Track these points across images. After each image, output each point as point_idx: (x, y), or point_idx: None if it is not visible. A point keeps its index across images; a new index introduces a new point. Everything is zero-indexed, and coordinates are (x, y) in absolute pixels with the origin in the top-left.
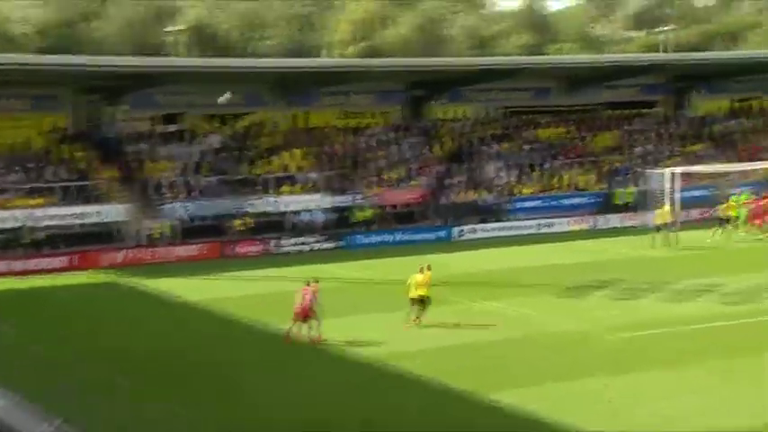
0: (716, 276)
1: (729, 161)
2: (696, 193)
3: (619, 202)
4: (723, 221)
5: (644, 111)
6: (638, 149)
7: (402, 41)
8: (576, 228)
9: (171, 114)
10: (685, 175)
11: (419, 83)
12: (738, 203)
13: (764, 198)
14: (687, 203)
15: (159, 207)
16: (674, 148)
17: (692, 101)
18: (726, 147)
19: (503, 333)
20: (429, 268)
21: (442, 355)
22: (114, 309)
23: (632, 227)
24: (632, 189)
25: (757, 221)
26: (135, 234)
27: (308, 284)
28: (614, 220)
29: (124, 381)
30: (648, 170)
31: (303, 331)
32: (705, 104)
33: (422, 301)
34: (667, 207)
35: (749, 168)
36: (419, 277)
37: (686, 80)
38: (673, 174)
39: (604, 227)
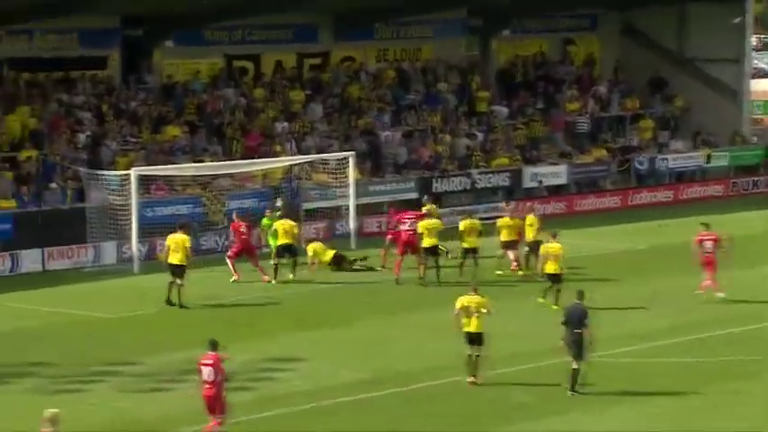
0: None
1: (221, 159)
2: (178, 208)
3: None
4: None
5: (87, 74)
6: (82, 137)
7: None
8: None
9: None
10: (161, 182)
11: None
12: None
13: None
14: (156, 226)
15: None
16: (133, 134)
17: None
18: (210, 134)
19: None
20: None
21: None
22: None
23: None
24: None
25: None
26: None
27: None
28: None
29: None
30: (94, 172)
31: None
32: (172, 66)
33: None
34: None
35: (248, 171)
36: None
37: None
38: (137, 177)
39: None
